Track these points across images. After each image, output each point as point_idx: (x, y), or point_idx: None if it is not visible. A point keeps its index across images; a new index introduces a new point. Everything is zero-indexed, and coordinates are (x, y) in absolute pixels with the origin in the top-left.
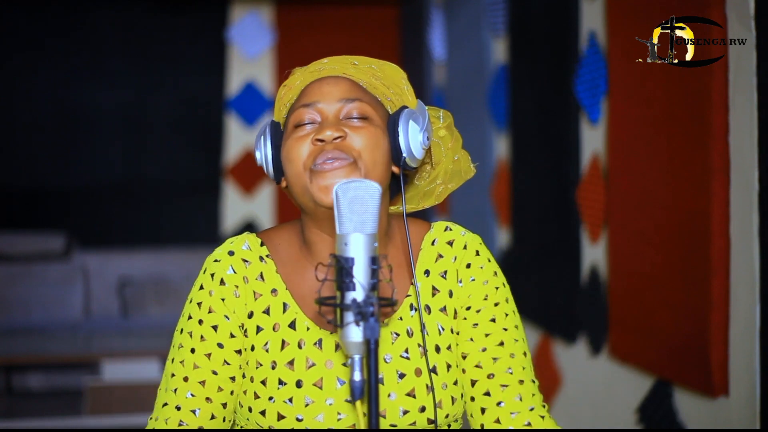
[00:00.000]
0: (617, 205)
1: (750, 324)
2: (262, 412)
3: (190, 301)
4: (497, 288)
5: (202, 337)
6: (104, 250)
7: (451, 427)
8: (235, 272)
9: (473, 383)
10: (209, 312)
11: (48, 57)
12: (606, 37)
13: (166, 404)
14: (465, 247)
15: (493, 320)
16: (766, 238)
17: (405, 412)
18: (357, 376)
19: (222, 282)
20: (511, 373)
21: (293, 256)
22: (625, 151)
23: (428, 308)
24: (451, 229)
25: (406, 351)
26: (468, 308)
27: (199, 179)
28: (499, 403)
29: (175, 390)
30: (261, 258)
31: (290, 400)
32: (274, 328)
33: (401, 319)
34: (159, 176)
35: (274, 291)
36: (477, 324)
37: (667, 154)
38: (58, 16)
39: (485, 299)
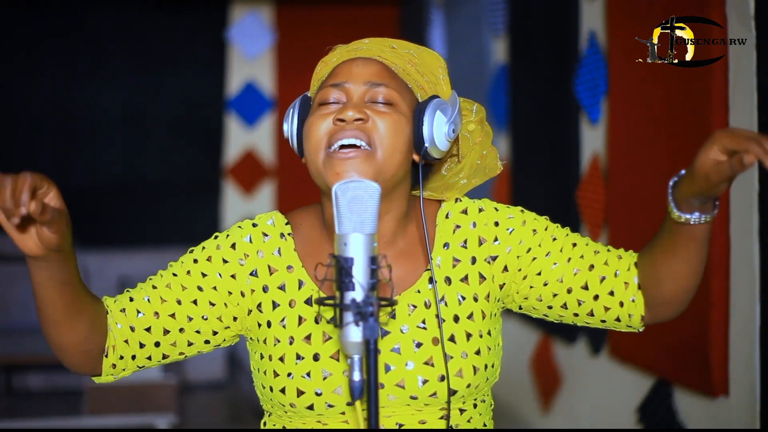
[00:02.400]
0: (617, 205)
1: (750, 324)
2: (282, 390)
3: (200, 245)
4: (535, 219)
5: (189, 272)
6: (104, 250)
7: (477, 403)
8: (251, 242)
9: (587, 286)
10: (207, 260)
11: (48, 57)
12: (606, 37)
13: (128, 291)
14: (481, 210)
15: (555, 238)
16: (766, 238)
17: (424, 382)
18: (356, 377)
19: (233, 246)
20: (599, 252)
21: (314, 236)
22: (625, 151)
23: (448, 280)
24: (460, 200)
25: (423, 322)
26: (529, 250)
27: (199, 179)
28: (615, 274)
29: (141, 288)
30: (282, 235)
31: (308, 374)
32: (290, 305)
33: (419, 291)
34: (159, 176)
35: (289, 268)
36: (549, 253)
37: (667, 154)
38: (58, 16)
39: (534, 233)
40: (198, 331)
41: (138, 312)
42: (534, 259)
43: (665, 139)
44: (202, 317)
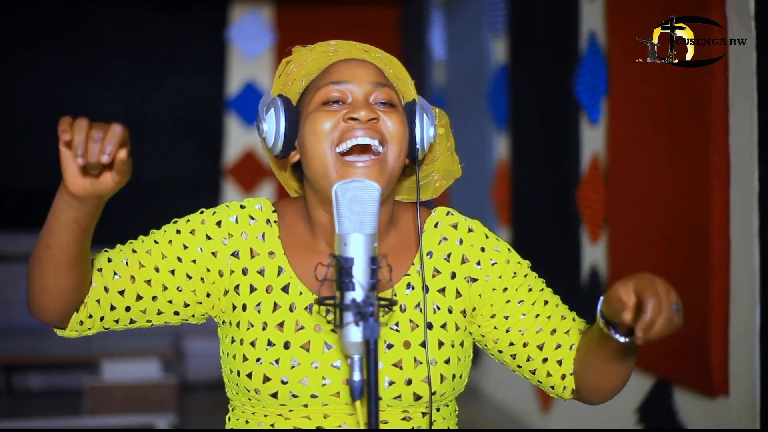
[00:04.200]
0: (617, 205)
1: (750, 324)
2: (249, 375)
3: (185, 217)
4: (518, 262)
5: (170, 241)
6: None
7: (440, 407)
8: (237, 222)
9: (542, 347)
10: (190, 233)
11: (48, 57)
12: (606, 37)
13: (106, 251)
14: (470, 230)
15: (530, 289)
16: (766, 238)
17: (390, 383)
18: (356, 377)
19: (218, 224)
20: (566, 319)
21: (298, 228)
22: (625, 151)
23: (426, 288)
24: (452, 214)
25: (396, 324)
26: (505, 290)
27: (199, 179)
28: (570, 347)
29: (120, 250)
30: (268, 221)
31: (276, 361)
32: (267, 290)
33: (395, 295)
34: (159, 176)
35: (271, 254)
36: (522, 301)
37: (667, 154)
38: (58, 16)
39: (514, 276)
40: (170, 301)
41: (114, 273)
42: (507, 301)
43: (665, 139)
44: (177, 288)
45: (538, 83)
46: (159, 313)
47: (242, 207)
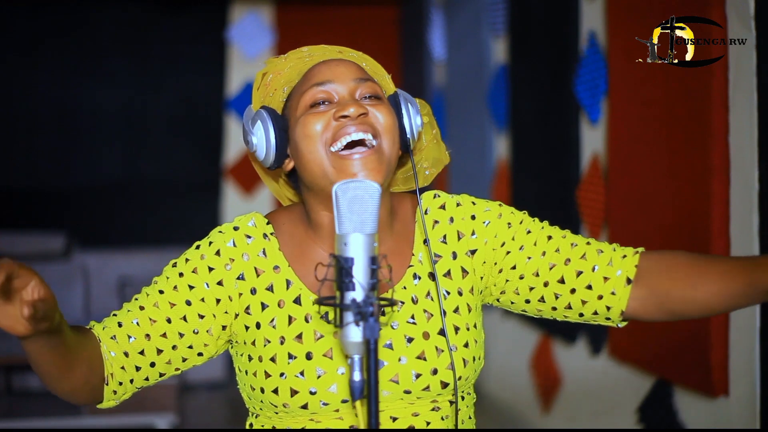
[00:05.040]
0: (617, 205)
1: (750, 324)
2: (275, 391)
3: (183, 255)
4: (511, 213)
5: (175, 287)
6: (104, 250)
7: (464, 396)
8: (235, 246)
9: (563, 280)
10: (192, 272)
11: (48, 57)
12: (606, 37)
13: (115, 315)
14: (458, 204)
15: (529, 232)
16: (766, 238)
17: (417, 376)
18: (357, 376)
19: (217, 252)
20: (577, 245)
21: (297, 235)
22: (625, 151)
23: (432, 275)
24: (439, 196)
25: (412, 317)
26: (503, 244)
27: (199, 179)
28: (593, 269)
29: (129, 311)
30: (265, 235)
31: (302, 373)
32: (279, 305)
33: (405, 288)
34: (159, 176)
35: (276, 268)
36: (523, 246)
37: (667, 154)
38: (58, 16)
39: (509, 227)
40: (190, 347)
41: (129, 337)
42: (508, 252)
43: (665, 139)
44: (193, 331)
45: (538, 83)
46: (183, 359)
47: (236, 228)
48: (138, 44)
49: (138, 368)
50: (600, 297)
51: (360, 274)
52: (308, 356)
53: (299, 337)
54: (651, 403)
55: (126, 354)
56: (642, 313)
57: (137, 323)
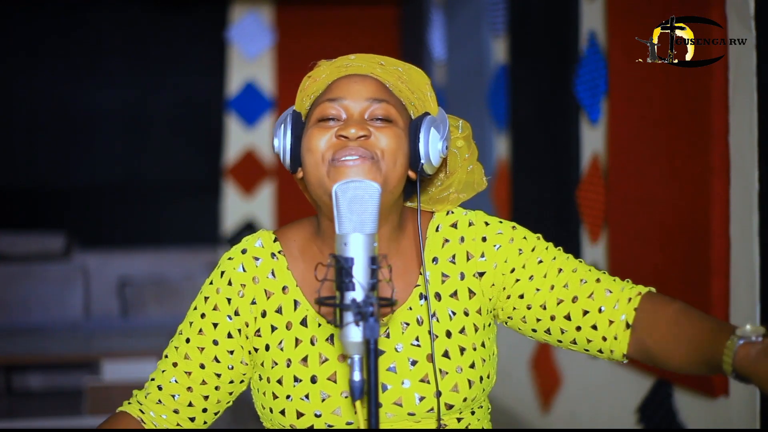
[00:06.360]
0: (617, 205)
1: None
2: (282, 412)
3: (200, 294)
4: (524, 238)
5: (200, 330)
6: (104, 250)
7: (474, 410)
8: (245, 270)
9: (570, 317)
10: (213, 309)
11: (48, 57)
12: (606, 37)
13: (153, 379)
14: (471, 224)
15: (540, 261)
16: (766, 238)
17: (421, 399)
18: (356, 376)
19: (229, 282)
20: (587, 282)
21: (307, 251)
22: (625, 151)
23: (438, 295)
24: (452, 212)
25: (417, 339)
26: (512, 270)
27: (199, 179)
28: (600, 310)
29: (164, 371)
30: (273, 255)
31: (306, 396)
32: (287, 327)
33: (411, 309)
34: (159, 176)
35: (284, 288)
36: (532, 276)
37: (667, 154)
38: (58, 16)
39: (520, 253)
40: (231, 381)
41: (173, 396)
42: (517, 280)
43: (665, 139)
44: (228, 367)
45: (538, 83)
46: (230, 393)
47: (243, 252)
48: (138, 44)
49: (192, 419)
50: (604, 339)
51: (360, 274)
52: (313, 380)
53: (305, 360)
54: (651, 403)
55: (176, 411)
56: (638, 358)
57: (176, 381)
